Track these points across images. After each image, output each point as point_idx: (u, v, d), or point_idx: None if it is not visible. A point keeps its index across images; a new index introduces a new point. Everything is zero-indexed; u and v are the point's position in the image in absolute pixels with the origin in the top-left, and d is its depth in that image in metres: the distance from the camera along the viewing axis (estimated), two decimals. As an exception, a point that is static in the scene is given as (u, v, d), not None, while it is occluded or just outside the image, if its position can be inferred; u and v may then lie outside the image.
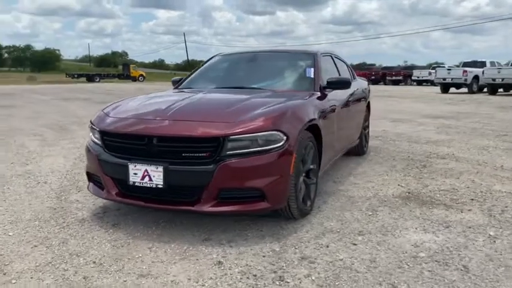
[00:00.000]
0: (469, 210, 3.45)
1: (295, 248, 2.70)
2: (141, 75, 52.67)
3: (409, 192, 3.93)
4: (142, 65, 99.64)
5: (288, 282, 2.27)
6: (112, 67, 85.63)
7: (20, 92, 21.39)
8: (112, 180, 3.00)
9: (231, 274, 2.36)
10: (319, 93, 3.78)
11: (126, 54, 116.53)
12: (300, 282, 2.27)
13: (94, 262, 2.51)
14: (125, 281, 2.29)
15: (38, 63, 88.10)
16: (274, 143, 2.80)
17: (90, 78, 47.86)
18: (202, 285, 2.24)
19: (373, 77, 39.36)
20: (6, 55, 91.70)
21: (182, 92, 3.97)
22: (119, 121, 3.07)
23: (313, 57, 4.15)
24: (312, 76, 3.92)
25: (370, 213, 3.36)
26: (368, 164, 5.15)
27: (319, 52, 4.33)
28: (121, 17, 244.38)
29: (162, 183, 2.74)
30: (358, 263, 2.49)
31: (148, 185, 2.78)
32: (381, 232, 2.96)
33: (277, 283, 2.26)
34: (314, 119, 3.30)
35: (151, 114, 3.05)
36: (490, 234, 2.92)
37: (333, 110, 3.90)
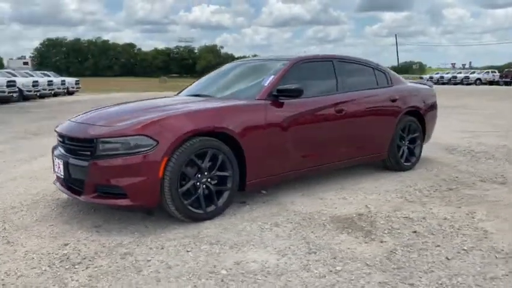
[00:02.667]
0: (381, 242, 2.93)
1: (136, 245, 2.91)
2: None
3: (361, 215, 3.48)
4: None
5: (72, 270, 2.57)
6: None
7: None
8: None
9: (51, 253, 2.78)
10: (267, 102, 3.72)
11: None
12: (74, 273, 2.52)
13: (4, 229, 3.28)
14: (-7, 245, 2.99)
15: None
16: (141, 147, 3.07)
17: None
18: (24, 258, 2.74)
19: None
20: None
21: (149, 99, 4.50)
22: (62, 124, 3.80)
23: (281, 65, 4.05)
24: (265, 84, 3.86)
25: (268, 227, 3.21)
26: (386, 180, 4.58)
27: (296, 60, 4.15)
28: (345, 23, 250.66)
29: (62, 174, 3.36)
30: (156, 267, 2.58)
31: (58, 175, 3.44)
32: (233, 245, 2.87)
33: (65, 269, 2.58)
34: (222, 128, 3.36)
35: (78, 118, 3.68)
36: (335, 269, 2.51)
37: (283, 119, 3.74)
